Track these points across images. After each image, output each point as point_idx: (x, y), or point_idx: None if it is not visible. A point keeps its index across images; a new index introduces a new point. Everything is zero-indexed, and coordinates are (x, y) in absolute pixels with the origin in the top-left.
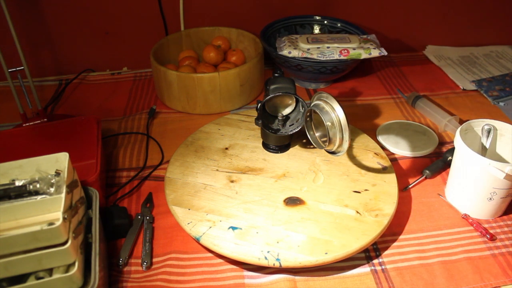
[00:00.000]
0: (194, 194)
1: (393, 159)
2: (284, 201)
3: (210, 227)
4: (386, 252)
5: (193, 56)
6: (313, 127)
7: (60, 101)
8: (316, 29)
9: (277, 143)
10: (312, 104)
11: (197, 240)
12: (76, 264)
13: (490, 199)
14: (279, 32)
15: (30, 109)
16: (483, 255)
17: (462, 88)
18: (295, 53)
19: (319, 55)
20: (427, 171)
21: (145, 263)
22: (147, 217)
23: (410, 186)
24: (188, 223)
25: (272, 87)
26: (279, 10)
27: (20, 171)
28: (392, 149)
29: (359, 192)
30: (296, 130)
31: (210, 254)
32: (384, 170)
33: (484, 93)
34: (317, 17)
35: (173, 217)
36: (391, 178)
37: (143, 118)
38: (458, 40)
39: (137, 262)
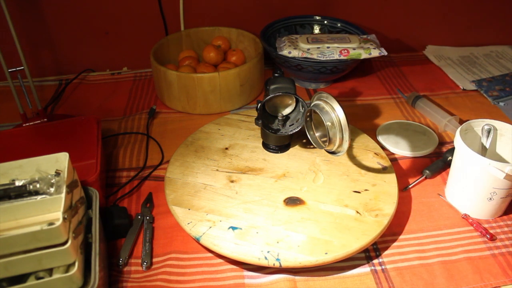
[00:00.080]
0: (194, 194)
1: (393, 159)
2: (284, 201)
3: (210, 227)
4: (386, 252)
5: (193, 56)
6: (313, 127)
7: (60, 101)
8: (316, 29)
9: (277, 143)
10: (312, 104)
11: (197, 240)
12: (76, 264)
13: (490, 199)
14: (279, 32)
15: (30, 109)
16: (483, 255)
17: (462, 88)
18: (295, 53)
19: (319, 55)
20: (427, 171)
21: (145, 263)
22: (147, 217)
23: (410, 186)
24: (188, 223)
25: (272, 87)
26: (279, 10)
27: (20, 171)
28: (392, 149)
29: (359, 192)
30: (296, 130)
31: (210, 254)
32: (384, 170)
33: (484, 93)
34: (317, 17)
35: (173, 217)
36: (391, 178)
37: (143, 118)
38: (458, 40)
39: (137, 262)
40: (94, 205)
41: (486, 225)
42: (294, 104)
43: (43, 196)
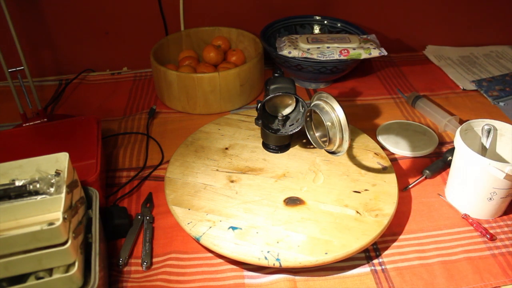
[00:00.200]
0: (194, 194)
1: (393, 159)
2: (284, 201)
3: (210, 227)
4: (386, 252)
5: (193, 56)
6: (313, 127)
7: (60, 101)
8: (316, 29)
9: (277, 143)
10: (312, 104)
11: (197, 240)
12: (76, 264)
13: (490, 199)
14: (279, 32)
15: (30, 109)
16: (483, 255)
17: (462, 88)
18: (295, 53)
19: (319, 55)
20: (427, 171)
21: (145, 263)
22: (147, 217)
23: (410, 186)
24: (188, 223)
25: (272, 87)
26: (279, 10)
27: (20, 171)
28: (392, 149)
29: (359, 192)
30: (296, 130)
31: (210, 254)
32: (384, 170)
33: (484, 93)
34: (317, 17)
35: (173, 217)
36: (391, 178)
37: (143, 118)
38: (458, 40)
39: (137, 262)
40: (94, 205)
41: (486, 225)
42: (294, 104)
43: (43, 196)
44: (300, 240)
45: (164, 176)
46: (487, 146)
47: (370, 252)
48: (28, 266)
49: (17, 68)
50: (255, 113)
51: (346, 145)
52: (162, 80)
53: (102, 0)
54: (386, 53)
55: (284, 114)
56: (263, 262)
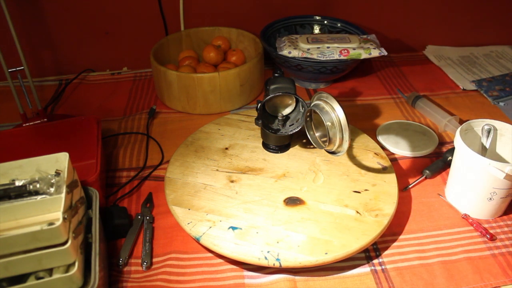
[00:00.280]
0: (194, 194)
1: (393, 159)
2: (284, 201)
3: (210, 227)
4: (386, 252)
5: (193, 56)
6: (313, 127)
7: (60, 101)
8: (316, 29)
9: (277, 143)
10: (312, 104)
11: (197, 240)
12: (76, 264)
13: (490, 199)
14: (279, 32)
15: (30, 109)
16: (483, 255)
17: (462, 88)
18: (295, 53)
19: (319, 55)
20: (427, 171)
21: (145, 263)
22: (147, 217)
23: (410, 186)
24: (188, 223)
25: (272, 87)
26: (279, 10)
27: (20, 171)
28: (392, 149)
29: (359, 192)
30: (296, 130)
31: (210, 254)
32: (384, 170)
33: (484, 93)
34: (317, 17)
35: (173, 217)
36: (391, 178)
37: (143, 118)
38: (458, 40)
39: (137, 262)
40: (94, 205)
41: (486, 225)
42: (294, 104)
43: (43, 196)
44: (300, 240)
45: (164, 176)
46: (487, 146)
47: (370, 252)
48: (28, 266)
49: (17, 68)
50: (255, 113)
51: (346, 145)
52: (162, 80)
53: (102, 0)
54: (386, 53)
55: (284, 114)
56: (263, 262)
